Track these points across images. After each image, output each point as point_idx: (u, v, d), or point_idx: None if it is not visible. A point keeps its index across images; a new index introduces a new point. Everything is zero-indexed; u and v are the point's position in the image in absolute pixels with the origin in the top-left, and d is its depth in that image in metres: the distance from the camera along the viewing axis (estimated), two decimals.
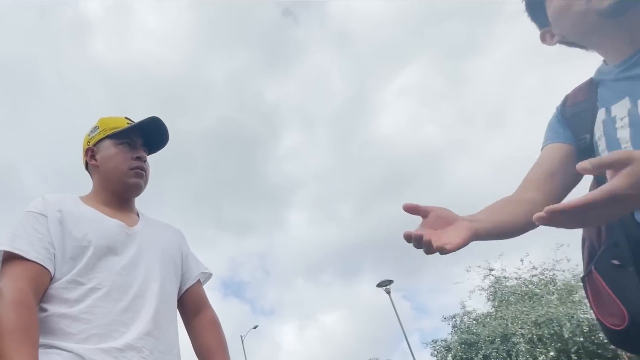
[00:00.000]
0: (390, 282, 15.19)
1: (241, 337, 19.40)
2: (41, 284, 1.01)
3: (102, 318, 1.00)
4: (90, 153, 1.28)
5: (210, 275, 1.37)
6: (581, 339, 13.20)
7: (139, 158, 1.25)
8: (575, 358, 13.15)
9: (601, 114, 0.92)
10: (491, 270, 17.51)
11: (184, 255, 1.31)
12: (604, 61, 0.98)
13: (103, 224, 1.14)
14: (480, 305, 18.99)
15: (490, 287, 17.37)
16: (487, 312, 17.04)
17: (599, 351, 13.12)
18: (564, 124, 1.02)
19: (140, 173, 1.25)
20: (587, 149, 0.94)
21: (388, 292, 15.02)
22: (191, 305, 1.28)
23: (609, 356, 12.86)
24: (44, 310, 1.01)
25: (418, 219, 0.80)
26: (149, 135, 1.29)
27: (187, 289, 1.28)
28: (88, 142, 1.29)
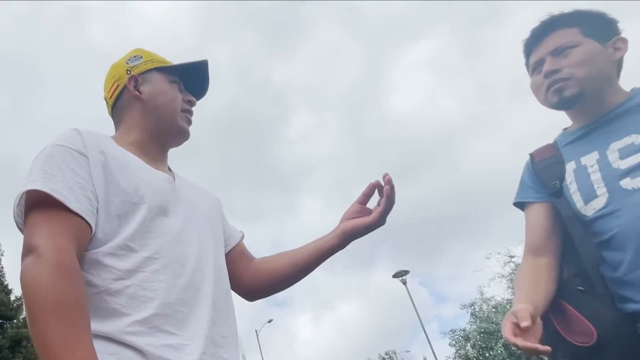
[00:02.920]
0: (406, 272, 14.88)
1: (256, 331, 19.39)
2: (82, 245, 0.78)
3: (165, 295, 0.80)
4: (134, 82, 1.06)
5: (242, 235, 1.18)
6: None
7: (190, 102, 1.10)
8: None
9: (571, 165, 1.14)
10: (512, 257, 17.23)
11: (223, 220, 1.13)
12: (564, 129, 1.25)
13: (152, 176, 0.93)
14: (500, 292, 18.68)
15: (510, 274, 17.06)
16: (507, 300, 16.74)
17: None
18: (535, 179, 1.22)
19: (190, 120, 1.10)
20: (556, 193, 1.15)
21: (404, 283, 14.71)
22: (241, 260, 1.11)
23: None
24: (86, 284, 0.77)
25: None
26: (188, 81, 1.12)
27: (230, 250, 1.11)
28: (129, 70, 1.07)
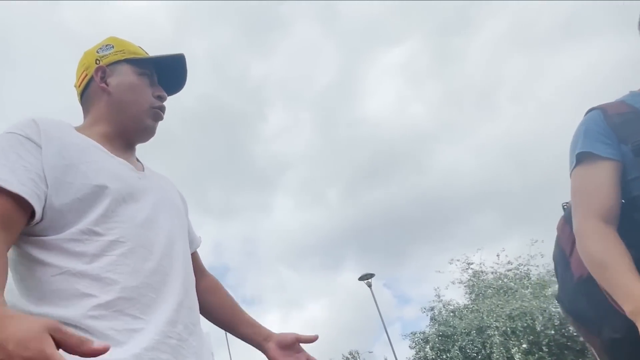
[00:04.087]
0: (371, 275, 15.51)
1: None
2: (11, 222, 0.76)
3: (130, 279, 0.80)
4: (102, 73, 1.03)
5: (200, 241, 1.21)
6: (552, 332, 13.72)
7: (160, 97, 1.06)
8: (547, 350, 13.68)
9: None
10: (470, 264, 17.96)
11: (187, 220, 1.14)
12: (631, 91, 1.14)
13: (112, 163, 0.93)
14: (460, 297, 19.43)
15: (469, 280, 17.80)
16: (464, 305, 17.52)
17: (568, 343, 13.67)
18: (610, 133, 1.09)
19: (160, 116, 1.06)
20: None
21: (369, 286, 15.35)
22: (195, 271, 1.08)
23: (578, 348, 13.41)
24: (48, 265, 0.78)
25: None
26: (164, 74, 1.09)
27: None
28: (98, 59, 1.04)
